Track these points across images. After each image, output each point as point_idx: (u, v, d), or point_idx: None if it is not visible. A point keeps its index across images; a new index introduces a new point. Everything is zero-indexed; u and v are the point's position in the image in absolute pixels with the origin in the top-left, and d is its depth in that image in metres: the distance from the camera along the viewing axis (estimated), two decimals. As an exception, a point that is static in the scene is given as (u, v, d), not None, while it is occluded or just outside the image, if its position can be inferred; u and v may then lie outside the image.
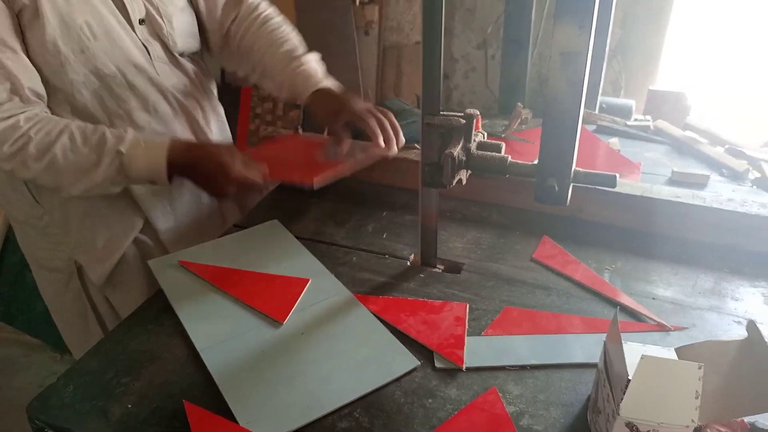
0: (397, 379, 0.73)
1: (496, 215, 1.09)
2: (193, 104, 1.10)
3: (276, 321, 0.81)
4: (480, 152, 0.81)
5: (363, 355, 0.76)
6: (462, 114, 0.80)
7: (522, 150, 1.27)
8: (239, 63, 1.18)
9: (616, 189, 1.00)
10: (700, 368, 0.56)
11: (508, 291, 0.89)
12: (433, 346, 0.77)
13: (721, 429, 0.62)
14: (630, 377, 0.57)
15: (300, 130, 1.24)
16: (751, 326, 0.62)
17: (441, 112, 0.82)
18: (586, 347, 0.77)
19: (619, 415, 0.58)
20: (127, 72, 0.97)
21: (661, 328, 0.80)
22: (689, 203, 0.97)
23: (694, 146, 1.31)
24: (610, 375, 0.62)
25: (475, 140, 0.82)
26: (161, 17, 1.01)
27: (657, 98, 1.75)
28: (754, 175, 1.21)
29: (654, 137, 1.40)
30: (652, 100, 1.76)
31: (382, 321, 0.82)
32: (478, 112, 0.80)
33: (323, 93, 1.07)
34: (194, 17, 1.10)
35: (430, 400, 0.70)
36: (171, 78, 1.06)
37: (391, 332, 0.80)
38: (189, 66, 1.11)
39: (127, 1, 0.97)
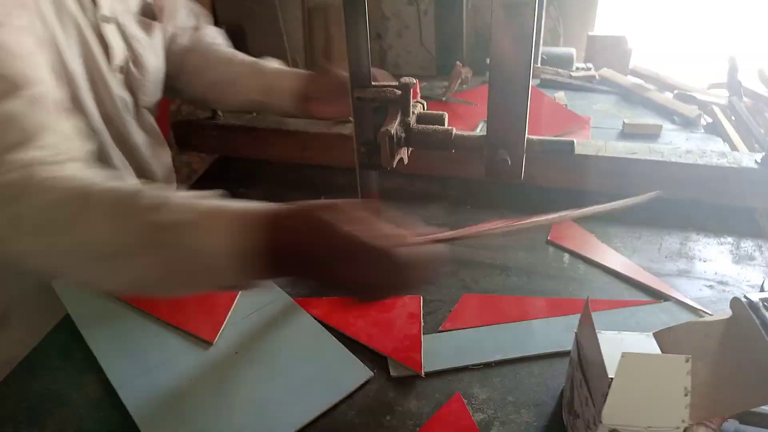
0: (350, 396, 0.64)
1: (443, 189, 1.00)
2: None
3: (205, 341, 0.71)
4: (421, 126, 0.71)
5: (307, 373, 0.66)
6: (397, 84, 0.70)
7: (465, 114, 1.17)
8: (185, 87, 1.02)
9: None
10: (687, 361, 0.49)
11: (465, 275, 0.80)
12: (386, 351, 0.69)
13: (709, 424, 0.56)
14: (610, 377, 0.50)
15: (219, 112, 1.11)
16: (736, 303, 0.55)
17: (373, 84, 0.71)
18: (553, 334, 0.70)
19: (601, 422, 0.51)
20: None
21: (635, 303, 0.74)
22: (647, 159, 0.90)
23: (643, 94, 1.25)
24: (587, 375, 0.54)
25: (414, 113, 0.71)
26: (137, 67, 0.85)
27: (597, 44, 1.68)
28: (705, 120, 1.15)
29: (600, 87, 1.33)
30: (591, 46, 1.69)
31: (327, 327, 0.72)
32: (415, 80, 0.69)
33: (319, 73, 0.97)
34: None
35: (388, 417, 0.62)
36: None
37: (339, 340, 0.70)
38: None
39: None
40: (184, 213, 0.52)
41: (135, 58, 0.84)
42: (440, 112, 0.72)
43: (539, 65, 1.38)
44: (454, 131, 0.70)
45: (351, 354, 0.68)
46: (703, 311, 0.71)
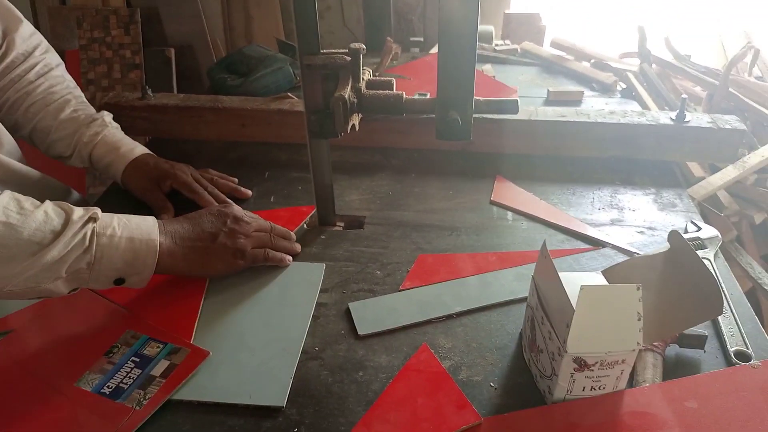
0: (319, 357, 0.65)
1: (387, 159, 1.02)
2: None
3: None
4: (372, 92, 0.72)
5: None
6: (346, 50, 0.71)
7: (401, 87, 1.19)
8: (5, 120, 0.89)
9: (503, 116, 0.97)
10: (638, 289, 0.54)
11: (418, 237, 0.83)
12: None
13: (655, 349, 0.62)
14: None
15: (149, 92, 1.07)
16: (674, 236, 0.61)
17: (321, 51, 0.72)
18: (506, 284, 0.74)
19: (566, 352, 0.55)
20: None
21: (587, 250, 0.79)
22: (575, 121, 0.96)
23: (563, 64, 1.32)
24: (548, 312, 0.59)
25: (363, 79, 0.73)
26: None
27: (512, 21, 1.75)
28: (620, 86, 1.24)
29: (523, 60, 1.39)
30: (508, 23, 1.76)
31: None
32: (364, 47, 0.71)
33: (141, 162, 0.90)
34: None
35: (360, 373, 0.64)
36: None
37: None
38: None
39: None
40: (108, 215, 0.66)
41: None
42: (389, 78, 0.74)
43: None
44: (404, 95, 0.72)
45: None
46: (638, 254, 0.78)
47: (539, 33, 1.72)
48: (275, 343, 0.67)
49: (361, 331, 0.68)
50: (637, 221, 0.85)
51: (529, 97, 1.20)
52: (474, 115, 0.72)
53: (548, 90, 1.19)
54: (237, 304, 0.73)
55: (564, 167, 0.97)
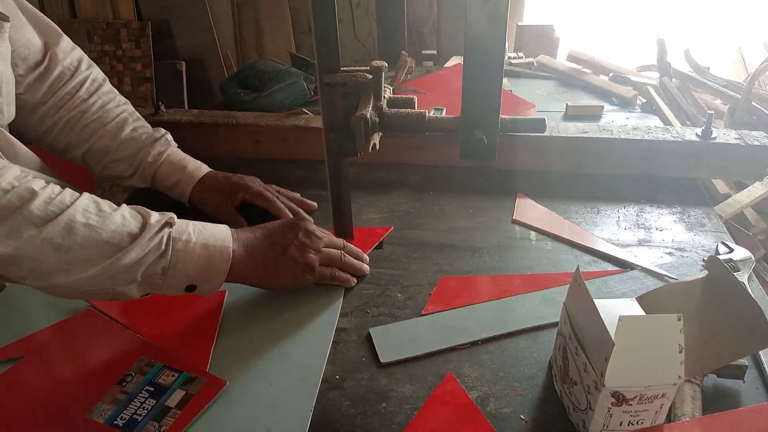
0: (340, 386, 0.63)
1: (404, 176, 1.00)
2: None
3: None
4: (393, 110, 0.70)
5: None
6: (367, 68, 0.69)
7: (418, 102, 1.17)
8: (58, 143, 0.87)
9: (524, 133, 0.94)
10: (680, 320, 0.52)
11: (439, 258, 0.80)
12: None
13: (693, 380, 0.59)
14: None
15: (162, 108, 1.05)
16: (713, 262, 0.58)
17: (341, 69, 0.70)
18: (533, 308, 0.71)
19: (604, 386, 0.52)
20: None
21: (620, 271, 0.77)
22: (598, 137, 0.94)
23: (580, 78, 1.30)
24: (582, 342, 0.56)
25: (384, 97, 0.71)
26: None
27: (525, 33, 1.74)
28: (640, 100, 1.22)
29: (539, 73, 1.37)
30: (521, 36, 1.74)
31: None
32: (386, 64, 0.69)
33: (211, 179, 0.89)
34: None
35: (384, 404, 0.61)
36: None
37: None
38: None
39: None
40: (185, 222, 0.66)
41: None
42: (410, 97, 0.72)
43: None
44: (428, 113, 0.70)
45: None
46: (669, 276, 0.75)
47: (553, 45, 1.70)
48: (294, 372, 0.64)
49: (383, 359, 0.66)
50: (665, 241, 0.82)
51: (548, 112, 1.18)
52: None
53: (567, 104, 1.17)
54: (254, 329, 0.70)
55: (587, 185, 0.95)
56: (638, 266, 0.77)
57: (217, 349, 0.67)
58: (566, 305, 0.60)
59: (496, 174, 0.98)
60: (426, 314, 0.71)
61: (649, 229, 0.85)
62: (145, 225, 0.63)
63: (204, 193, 0.88)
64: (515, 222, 0.87)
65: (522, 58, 1.48)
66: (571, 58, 1.38)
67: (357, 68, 0.70)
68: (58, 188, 0.61)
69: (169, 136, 0.92)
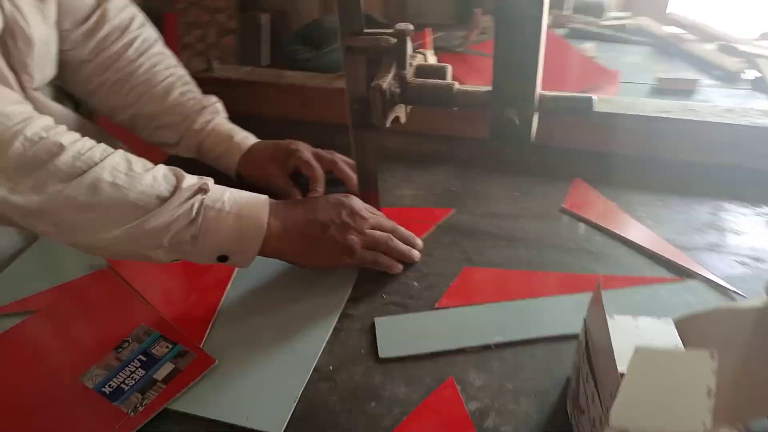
0: (332, 380, 0.59)
1: (451, 150, 0.92)
2: None
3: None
4: (419, 81, 0.63)
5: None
6: (392, 31, 0.62)
7: (481, 66, 1.08)
8: (105, 105, 0.86)
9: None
10: (713, 358, 0.42)
11: (469, 246, 0.73)
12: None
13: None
14: (621, 372, 0.43)
15: (214, 64, 1.03)
16: (775, 289, 0.47)
17: (365, 30, 0.63)
18: (562, 314, 0.63)
19: (608, 424, 0.44)
20: None
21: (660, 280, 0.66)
22: (680, 118, 0.81)
23: (680, 45, 1.13)
24: (594, 367, 0.48)
25: (411, 65, 0.63)
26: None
27: (633, -10, 1.54)
28: (751, 75, 1.04)
29: (633, 38, 1.21)
30: (627, -7, 1.55)
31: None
32: (412, 26, 0.61)
33: (259, 148, 0.84)
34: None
35: (373, 404, 0.56)
36: None
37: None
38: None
39: None
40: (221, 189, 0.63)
41: (11, 27, 0.68)
42: (442, 64, 0.64)
43: (567, 13, 1.26)
44: (456, 86, 0.61)
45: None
46: (735, 292, 0.63)
47: (663, 3, 1.50)
48: (288, 357, 0.61)
49: (382, 353, 0.60)
50: (741, 248, 0.70)
51: (633, 83, 1.04)
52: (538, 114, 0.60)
53: (657, 76, 1.02)
54: (257, 308, 0.67)
55: (658, 173, 0.82)
56: (700, 275, 0.66)
57: (216, 325, 0.65)
58: (586, 319, 0.52)
59: (554, 154, 0.88)
60: (440, 308, 0.65)
61: (723, 232, 0.72)
62: (176, 188, 0.60)
63: (252, 164, 0.83)
64: (565, 211, 0.77)
65: (626, 18, 1.31)
66: (671, 21, 1.21)
67: (383, 31, 0.63)
68: (89, 144, 0.60)
69: (220, 105, 0.88)
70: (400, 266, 0.69)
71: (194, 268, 0.71)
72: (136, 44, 0.83)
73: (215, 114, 0.86)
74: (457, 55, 1.13)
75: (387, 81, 0.60)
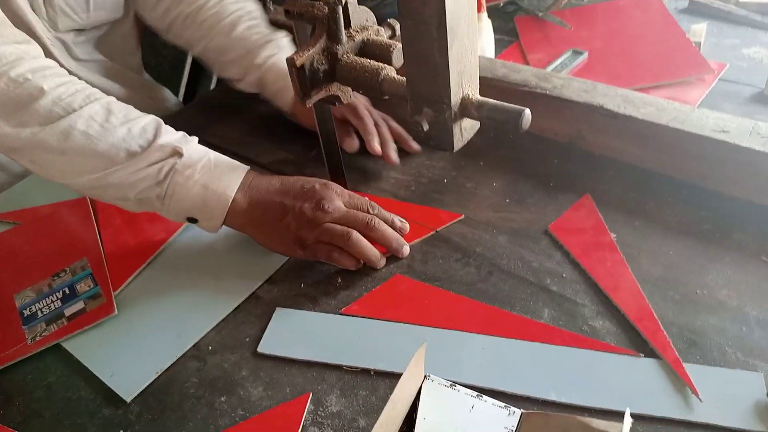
0: (203, 359, 0.57)
1: (470, 133, 0.81)
2: None
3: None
4: (351, 59, 0.54)
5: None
6: (330, -2, 0.54)
7: (555, 37, 0.92)
8: (180, 37, 0.89)
9: (628, 113, 0.67)
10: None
11: (417, 252, 0.65)
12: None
13: None
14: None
15: (269, 5, 1.00)
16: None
17: (310, -7, 0.56)
18: (471, 356, 0.53)
19: None
20: None
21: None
22: (738, 144, 0.61)
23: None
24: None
25: (352, 39, 0.55)
26: None
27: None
28: None
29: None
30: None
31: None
32: (347, -4, 0.53)
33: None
34: None
35: (223, 398, 0.54)
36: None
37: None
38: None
39: None
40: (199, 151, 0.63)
41: None
42: (390, 43, 0.55)
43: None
44: (384, 72, 0.52)
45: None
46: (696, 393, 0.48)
47: None
48: (178, 325, 0.60)
49: (260, 348, 0.57)
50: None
51: (739, 85, 0.81)
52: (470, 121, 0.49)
53: (773, 79, 0.78)
54: (183, 266, 0.67)
55: (698, 209, 0.65)
56: (659, 357, 0.51)
57: (140, 276, 0.66)
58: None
59: (577, 157, 0.73)
60: (346, 314, 0.59)
61: (743, 316, 0.55)
62: (150, 144, 0.61)
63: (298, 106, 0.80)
64: (548, 233, 0.64)
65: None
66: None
67: (327, -4, 0.55)
68: (73, 89, 0.62)
69: (287, 40, 0.85)
70: (356, 265, 0.63)
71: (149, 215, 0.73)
72: None
73: (279, 49, 0.83)
74: (534, 19, 0.97)
75: (308, 55, 0.53)
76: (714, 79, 0.80)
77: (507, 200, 0.69)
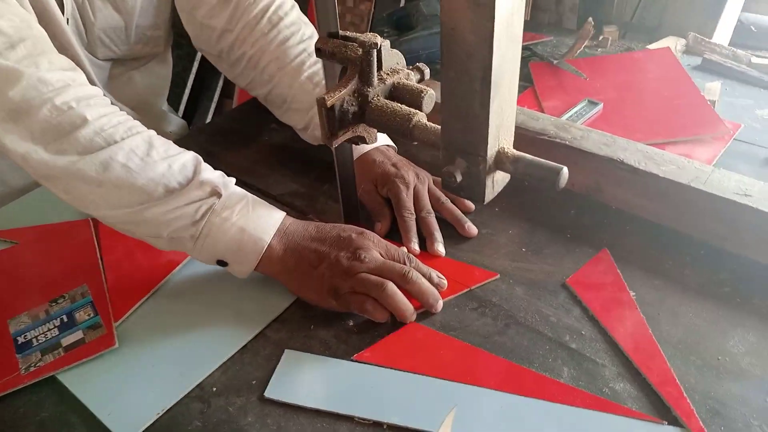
0: (207, 402, 0.54)
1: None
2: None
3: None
4: (381, 102, 0.53)
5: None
6: (365, 39, 0.53)
7: (570, 85, 0.92)
8: (243, 79, 0.84)
9: (649, 169, 0.66)
10: None
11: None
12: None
13: None
14: None
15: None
16: None
17: (341, 33, 0.55)
18: (487, 415, 0.52)
19: None
20: None
21: None
22: (765, 210, 0.61)
23: None
24: None
25: (383, 82, 0.54)
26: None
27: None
28: None
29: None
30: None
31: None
32: (380, 39, 0.52)
33: (368, 159, 0.76)
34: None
35: (223, 443, 0.51)
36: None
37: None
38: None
39: None
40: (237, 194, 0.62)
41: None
42: (419, 87, 0.54)
43: (717, 41, 1.02)
44: (416, 119, 0.51)
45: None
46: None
47: None
48: (182, 363, 0.58)
49: (268, 393, 0.55)
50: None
51: (752, 146, 0.81)
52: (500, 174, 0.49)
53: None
54: (188, 299, 0.65)
55: (718, 270, 0.64)
56: (683, 425, 0.50)
57: (142, 306, 0.64)
58: None
59: (595, 209, 0.72)
60: (357, 361, 0.57)
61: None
62: (187, 184, 0.60)
63: (358, 171, 0.70)
64: (565, 286, 0.63)
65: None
66: None
67: (358, 35, 0.54)
68: (116, 120, 0.61)
69: None
70: (387, 318, 0.60)
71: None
72: (269, 14, 0.78)
73: None
74: (550, 66, 0.98)
75: (338, 96, 0.52)
76: (729, 138, 0.81)
77: (523, 249, 0.68)
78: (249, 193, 0.63)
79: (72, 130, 0.58)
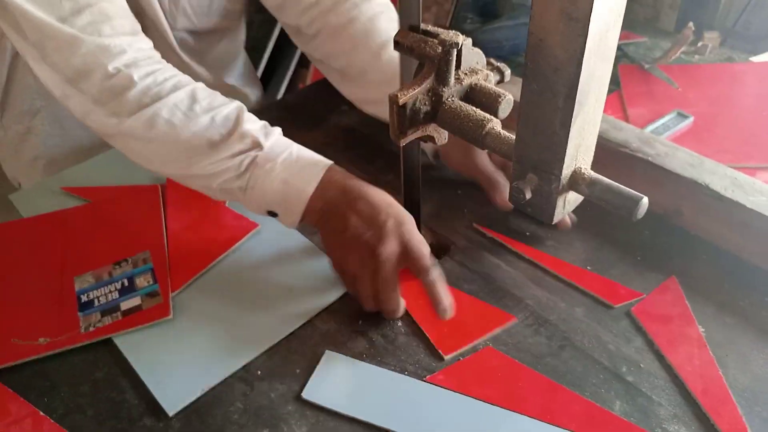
0: (251, 385, 0.55)
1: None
2: None
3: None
4: (456, 104, 0.51)
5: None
6: (446, 37, 0.51)
7: (660, 93, 0.87)
8: (319, 49, 0.81)
9: (736, 198, 0.62)
10: None
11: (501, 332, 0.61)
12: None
13: None
14: None
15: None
16: None
17: (422, 28, 0.53)
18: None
19: None
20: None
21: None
22: None
23: None
24: None
25: (460, 82, 0.52)
26: None
27: None
28: None
29: None
30: None
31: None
32: (461, 37, 0.49)
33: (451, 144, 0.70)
34: None
35: (266, 431, 0.52)
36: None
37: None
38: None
39: None
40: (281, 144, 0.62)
41: None
42: (497, 91, 0.51)
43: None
44: (490, 126, 0.49)
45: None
46: None
47: None
48: (231, 342, 0.59)
49: (305, 394, 0.54)
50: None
51: None
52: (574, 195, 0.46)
53: None
54: (244, 277, 0.66)
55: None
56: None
57: (199, 280, 0.65)
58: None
59: (671, 233, 0.68)
60: (427, 381, 0.55)
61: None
62: (229, 136, 0.60)
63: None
64: (629, 315, 0.60)
65: None
66: None
67: (440, 31, 0.52)
68: (162, 77, 0.62)
69: None
70: (373, 307, 0.60)
71: (223, 213, 0.72)
72: None
73: None
74: (640, 71, 0.92)
75: (412, 94, 0.50)
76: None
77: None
78: (294, 143, 0.63)
79: (122, 92, 0.60)
